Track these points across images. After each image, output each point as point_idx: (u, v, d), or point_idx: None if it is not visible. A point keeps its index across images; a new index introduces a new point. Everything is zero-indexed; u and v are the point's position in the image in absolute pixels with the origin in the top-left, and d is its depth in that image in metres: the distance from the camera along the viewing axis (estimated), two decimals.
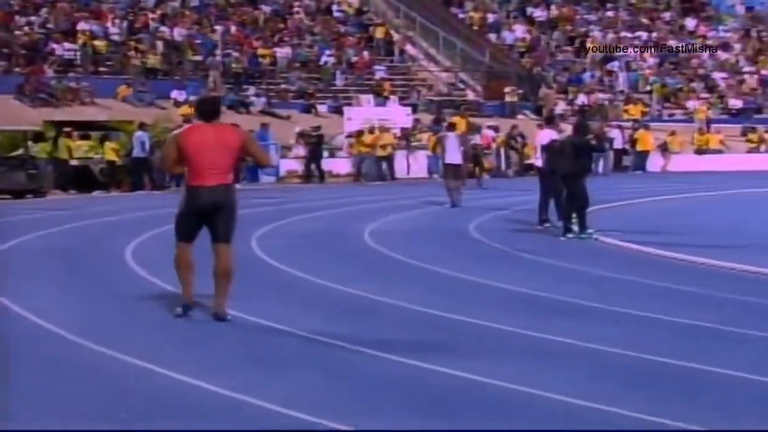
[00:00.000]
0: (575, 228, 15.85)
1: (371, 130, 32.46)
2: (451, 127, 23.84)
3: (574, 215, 15.89)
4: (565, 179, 15.87)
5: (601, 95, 44.21)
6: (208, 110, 8.93)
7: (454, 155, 21.62)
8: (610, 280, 11.58)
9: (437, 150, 22.95)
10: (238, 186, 9.60)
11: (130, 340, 8.05)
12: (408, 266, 12.69)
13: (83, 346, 7.84)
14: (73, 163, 27.30)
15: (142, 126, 27.74)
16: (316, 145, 31.79)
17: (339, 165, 33.02)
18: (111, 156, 27.59)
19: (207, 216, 8.76)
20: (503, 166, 34.35)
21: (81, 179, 27.19)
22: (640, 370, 7.16)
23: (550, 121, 17.98)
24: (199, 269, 9.02)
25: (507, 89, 41.49)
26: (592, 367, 7.24)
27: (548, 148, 16.82)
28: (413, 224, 18.29)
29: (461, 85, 44.31)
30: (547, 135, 17.34)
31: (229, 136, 8.88)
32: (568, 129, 18.40)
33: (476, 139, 29.38)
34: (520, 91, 42.40)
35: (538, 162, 17.61)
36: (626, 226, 17.58)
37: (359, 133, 32.75)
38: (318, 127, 32.38)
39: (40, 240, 15.60)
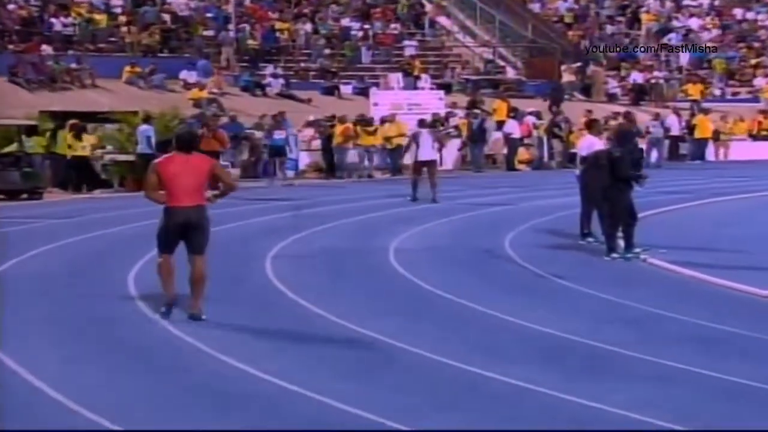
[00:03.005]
0: (621, 244, 15.91)
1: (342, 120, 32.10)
2: (423, 123, 25.70)
3: (620, 230, 15.92)
4: (605, 191, 15.80)
5: (657, 73, 44.12)
6: (184, 143, 11.21)
7: (428, 152, 23.78)
8: (655, 319, 11.71)
9: (411, 147, 24.63)
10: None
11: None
12: (435, 300, 12.87)
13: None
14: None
15: (147, 119, 27.65)
16: (329, 137, 31.77)
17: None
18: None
19: (182, 232, 11.04)
20: (546, 156, 34.50)
21: (82, 176, 27.35)
22: None
23: (591, 126, 17.98)
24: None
25: (564, 67, 41.22)
26: None
27: (584, 160, 16.89)
28: (445, 238, 18.40)
29: (500, 62, 44.33)
30: (587, 143, 17.40)
31: (200, 163, 11.18)
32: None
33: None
34: (578, 65, 41.90)
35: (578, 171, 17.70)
36: (678, 239, 17.64)
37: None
38: (332, 117, 32.44)
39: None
